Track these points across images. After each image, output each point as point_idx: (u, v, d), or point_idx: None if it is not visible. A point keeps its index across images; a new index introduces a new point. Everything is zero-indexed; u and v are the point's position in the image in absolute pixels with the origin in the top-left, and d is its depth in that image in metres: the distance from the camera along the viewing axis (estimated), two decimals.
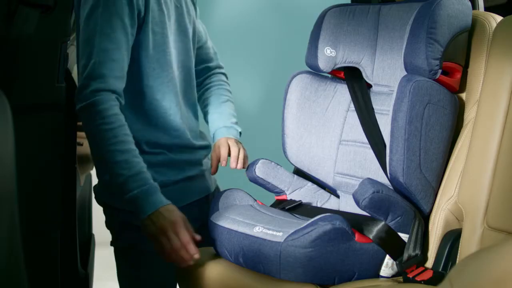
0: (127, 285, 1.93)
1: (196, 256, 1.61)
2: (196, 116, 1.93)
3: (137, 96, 1.76)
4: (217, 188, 1.99)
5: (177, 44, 1.84)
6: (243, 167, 1.88)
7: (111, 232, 1.92)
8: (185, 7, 1.88)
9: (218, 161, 1.89)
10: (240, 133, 1.98)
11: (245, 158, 1.90)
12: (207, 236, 1.91)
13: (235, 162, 1.87)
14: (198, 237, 1.64)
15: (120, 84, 1.67)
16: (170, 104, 1.80)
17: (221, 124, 1.96)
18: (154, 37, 1.75)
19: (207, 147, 1.93)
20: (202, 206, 1.90)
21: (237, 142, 1.92)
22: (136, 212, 1.62)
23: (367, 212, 1.59)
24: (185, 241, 1.61)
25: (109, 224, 1.91)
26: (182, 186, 1.84)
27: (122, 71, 1.68)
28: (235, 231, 1.62)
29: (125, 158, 1.62)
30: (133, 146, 1.65)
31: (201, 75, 2.05)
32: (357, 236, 1.55)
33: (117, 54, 1.66)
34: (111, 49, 1.65)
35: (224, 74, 2.09)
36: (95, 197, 1.96)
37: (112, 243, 1.92)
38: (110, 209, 1.89)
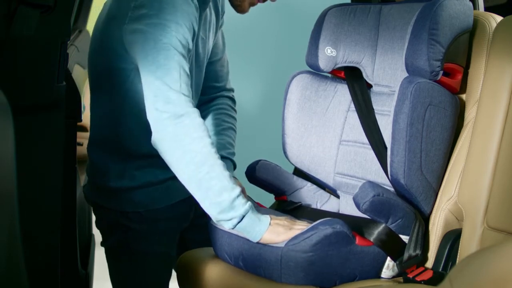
0: (119, 285, 1.93)
1: None
2: None
3: (145, 110, 1.75)
4: None
5: (195, 74, 1.85)
6: None
7: (101, 232, 1.92)
8: (209, 35, 1.88)
9: None
10: (235, 166, 1.95)
11: (244, 192, 1.88)
12: (196, 236, 1.91)
13: None
14: None
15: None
16: None
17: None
18: None
19: None
20: (190, 205, 1.90)
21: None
22: (249, 224, 1.56)
23: (367, 215, 1.59)
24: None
25: (98, 224, 1.92)
26: (168, 185, 1.84)
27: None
28: (235, 235, 1.62)
29: (229, 172, 1.60)
30: None
31: (207, 93, 2.00)
32: (357, 239, 1.55)
33: (188, 69, 1.66)
34: (185, 64, 1.64)
35: (231, 98, 2.05)
36: (85, 197, 1.96)
37: (102, 243, 1.92)
38: (100, 209, 1.90)
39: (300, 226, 1.58)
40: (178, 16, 1.65)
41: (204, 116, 2.00)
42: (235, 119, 2.03)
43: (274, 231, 1.55)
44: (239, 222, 1.56)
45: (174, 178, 1.82)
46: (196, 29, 1.71)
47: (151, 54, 1.63)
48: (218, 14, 1.93)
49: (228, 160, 1.93)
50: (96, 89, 1.88)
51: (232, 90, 2.06)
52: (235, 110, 2.05)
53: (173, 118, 1.59)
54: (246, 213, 1.56)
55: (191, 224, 1.94)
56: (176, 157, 1.60)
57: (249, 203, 1.57)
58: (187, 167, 1.58)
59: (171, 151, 1.61)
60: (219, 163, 1.58)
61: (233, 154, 1.96)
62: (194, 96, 1.85)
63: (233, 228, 1.57)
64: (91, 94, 1.90)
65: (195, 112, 1.61)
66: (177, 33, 1.64)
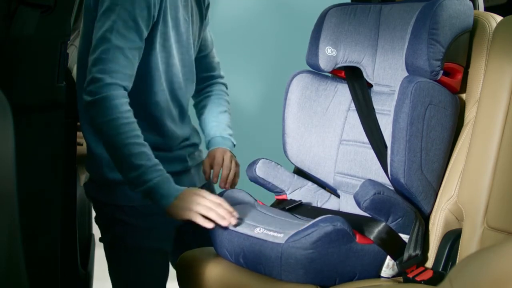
0: (116, 281, 1.94)
1: (235, 213, 1.63)
2: (183, 117, 1.94)
3: (138, 98, 1.76)
4: (207, 184, 2.00)
5: (181, 56, 1.87)
6: (232, 188, 1.93)
7: (99, 228, 1.93)
8: (193, 19, 1.91)
9: (211, 168, 1.94)
10: (234, 145, 2.01)
11: (236, 176, 1.96)
12: (194, 234, 1.91)
13: (224, 182, 1.93)
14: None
15: (130, 83, 1.71)
16: (167, 108, 1.84)
17: (218, 133, 2.00)
18: (158, 50, 1.79)
19: (194, 145, 1.98)
20: None
21: (232, 157, 1.96)
22: (157, 199, 1.64)
23: (368, 213, 1.59)
24: (218, 200, 1.64)
25: (97, 220, 1.93)
26: None
27: (133, 70, 1.72)
28: (235, 231, 1.62)
29: (143, 150, 1.65)
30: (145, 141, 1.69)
31: (202, 82, 2.08)
32: (358, 237, 1.55)
33: (130, 53, 1.70)
34: (125, 48, 1.69)
35: (224, 84, 2.13)
36: (85, 193, 1.97)
37: (100, 239, 1.93)
38: (98, 204, 1.90)
39: (204, 203, 1.61)
40: (128, 1, 1.69)
41: (201, 102, 2.09)
42: (228, 103, 2.10)
43: (176, 206, 1.63)
44: (145, 197, 1.66)
45: (168, 172, 1.83)
46: (155, 12, 1.74)
47: (95, 39, 1.70)
48: (200, 4, 1.95)
49: (228, 140, 1.99)
50: (80, 73, 1.88)
51: (223, 76, 2.14)
52: (227, 94, 2.12)
53: (89, 104, 1.67)
54: (152, 189, 1.63)
55: (187, 221, 1.94)
56: (101, 141, 1.70)
57: (156, 179, 1.63)
58: (108, 150, 1.69)
59: (96, 134, 1.71)
60: (126, 143, 1.64)
61: (232, 134, 2.02)
62: (184, 78, 1.88)
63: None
64: (77, 78, 1.90)
65: (109, 96, 1.66)
66: (121, 18, 1.68)
